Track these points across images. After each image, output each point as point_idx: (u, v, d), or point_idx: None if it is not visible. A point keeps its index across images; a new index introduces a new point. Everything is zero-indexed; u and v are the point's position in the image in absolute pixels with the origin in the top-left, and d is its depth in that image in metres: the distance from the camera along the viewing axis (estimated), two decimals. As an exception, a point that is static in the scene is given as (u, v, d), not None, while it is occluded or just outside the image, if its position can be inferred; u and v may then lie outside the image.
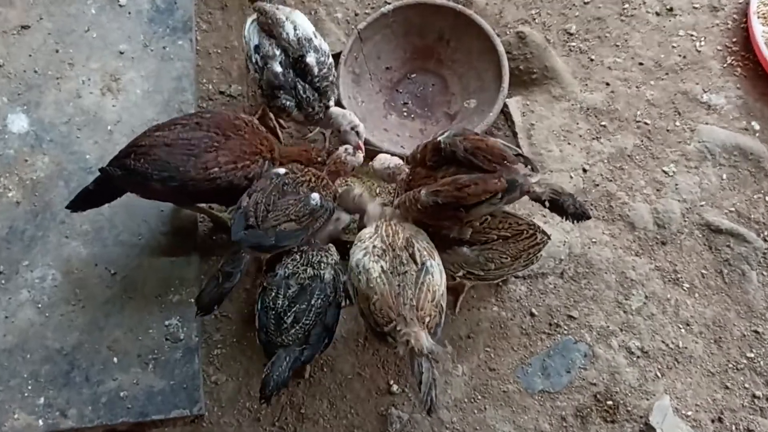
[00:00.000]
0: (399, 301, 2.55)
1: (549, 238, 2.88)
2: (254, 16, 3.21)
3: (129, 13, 3.61)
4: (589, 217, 2.74)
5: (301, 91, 3.12)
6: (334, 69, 3.25)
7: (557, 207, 2.71)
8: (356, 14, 3.70)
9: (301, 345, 2.71)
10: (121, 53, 3.52)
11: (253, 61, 3.16)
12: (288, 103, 3.14)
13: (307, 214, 2.83)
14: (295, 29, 3.15)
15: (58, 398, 2.97)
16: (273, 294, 2.76)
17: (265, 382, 2.63)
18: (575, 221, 2.76)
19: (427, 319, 2.55)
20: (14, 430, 2.90)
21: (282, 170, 2.92)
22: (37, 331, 3.06)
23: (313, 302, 2.73)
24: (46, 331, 3.06)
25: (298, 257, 2.84)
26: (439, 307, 2.62)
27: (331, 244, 2.97)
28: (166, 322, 3.09)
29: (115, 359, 3.04)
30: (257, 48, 3.15)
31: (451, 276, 2.81)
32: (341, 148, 3.12)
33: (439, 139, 2.83)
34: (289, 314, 2.71)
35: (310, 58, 3.12)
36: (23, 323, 3.06)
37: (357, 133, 3.18)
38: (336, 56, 3.52)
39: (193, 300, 3.09)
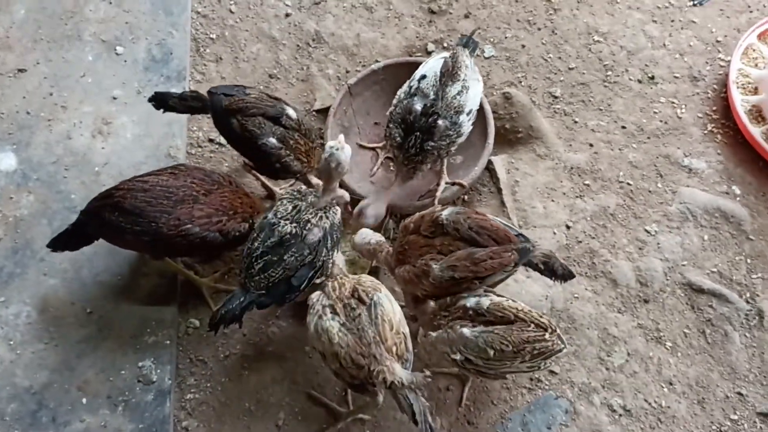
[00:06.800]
0: (363, 342, 2.58)
1: (563, 345, 2.69)
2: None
3: (125, 61, 3.69)
4: (573, 276, 2.88)
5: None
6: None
7: (549, 269, 2.82)
8: (347, 71, 3.80)
9: (262, 291, 2.80)
10: (114, 98, 3.58)
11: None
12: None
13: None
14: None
15: (23, 438, 2.88)
16: (254, 236, 2.84)
17: (214, 314, 2.80)
18: (563, 281, 2.88)
19: (394, 348, 2.59)
20: (-26, 470, 2.81)
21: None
22: (6, 369, 2.99)
23: (285, 258, 2.78)
24: (15, 368, 3.00)
25: (290, 207, 2.88)
26: (401, 334, 2.65)
27: (337, 208, 2.99)
28: (140, 364, 3.03)
29: (84, 400, 2.96)
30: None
31: (451, 360, 2.75)
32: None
33: (440, 215, 2.85)
34: (259, 261, 2.78)
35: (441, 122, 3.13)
36: (-7, 360, 3.00)
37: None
38: (326, 110, 3.60)
39: (168, 342, 3.07)
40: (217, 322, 2.78)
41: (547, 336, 2.66)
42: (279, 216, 2.85)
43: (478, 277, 2.71)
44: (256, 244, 2.82)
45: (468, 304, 2.72)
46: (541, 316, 2.71)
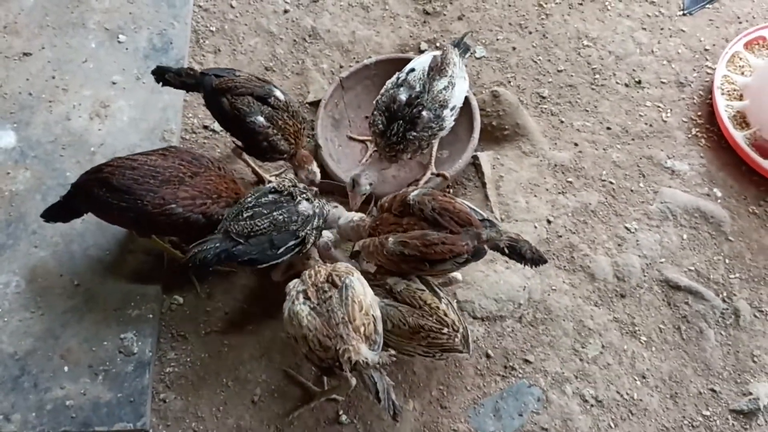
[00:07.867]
0: (331, 323, 2.62)
1: (466, 351, 2.81)
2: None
3: (126, 48, 3.82)
4: (545, 262, 2.89)
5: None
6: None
7: (516, 253, 2.84)
8: (341, 66, 3.90)
9: (240, 240, 2.86)
10: (114, 83, 3.70)
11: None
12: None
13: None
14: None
15: (4, 402, 2.95)
16: (250, 196, 2.99)
17: (188, 255, 2.85)
18: (533, 266, 2.88)
19: (362, 329, 2.61)
20: (-46, 430, 2.87)
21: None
22: (-9, 335, 3.08)
23: (275, 214, 2.90)
24: (1, 335, 3.07)
25: (287, 182, 3.04)
26: (371, 316, 2.67)
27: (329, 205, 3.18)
28: (122, 335, 3.09)
29: (66, 368, 3.03)
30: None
31: None
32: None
33: (409, 196, 2.93)
34: (249, 210, 2.89)
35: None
36: (-21, 326, 3.08)
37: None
38: (318, 102, 3.70)
39: (151, 316, 3.15)
40: (190, 258, 2.82)
41: (444, 330, 2.76)
42: (278, 182, 3.03)
43: (427, 259, 2.76)
44: (249, 198, 2.95)
45: (390, 282, 2.83)
46: (446, 315, 2.78)
